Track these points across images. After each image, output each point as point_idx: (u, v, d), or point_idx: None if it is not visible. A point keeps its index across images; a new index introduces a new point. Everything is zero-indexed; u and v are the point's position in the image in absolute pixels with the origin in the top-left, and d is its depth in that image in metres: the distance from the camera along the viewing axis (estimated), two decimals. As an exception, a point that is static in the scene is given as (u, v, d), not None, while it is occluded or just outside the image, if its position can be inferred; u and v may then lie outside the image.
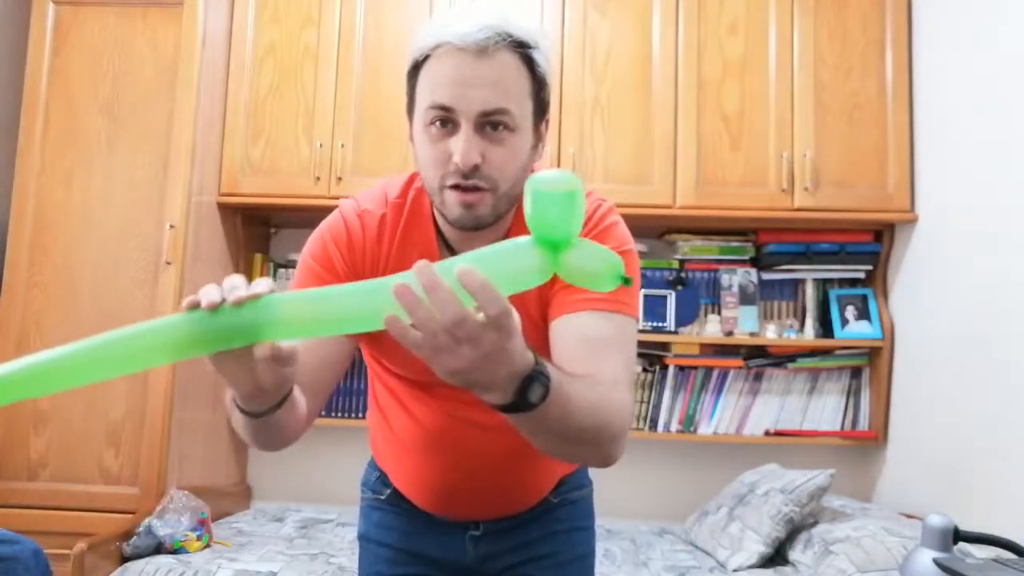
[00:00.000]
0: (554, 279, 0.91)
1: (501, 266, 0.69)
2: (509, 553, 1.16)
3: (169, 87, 2.39)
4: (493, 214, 0.95)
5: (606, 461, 0.88)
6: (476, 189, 0.92)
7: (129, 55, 2.41)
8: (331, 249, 1.02)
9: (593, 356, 0.89)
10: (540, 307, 0.99)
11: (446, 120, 0.91)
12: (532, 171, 1.03)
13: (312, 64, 2.57)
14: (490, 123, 0.91)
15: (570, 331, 0.93)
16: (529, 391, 0.73)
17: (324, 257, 1.03)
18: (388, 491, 1.19)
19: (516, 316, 0.68)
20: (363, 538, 1.23)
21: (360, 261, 1.02)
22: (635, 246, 1.03)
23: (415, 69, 0.96)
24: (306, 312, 0.70)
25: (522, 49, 0.93)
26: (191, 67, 2.38)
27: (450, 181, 0.92)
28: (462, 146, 0.90)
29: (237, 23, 2.59)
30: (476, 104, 0.90)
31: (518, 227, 1.03)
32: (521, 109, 0.93)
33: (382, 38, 2.57)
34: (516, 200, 0.98)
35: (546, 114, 1.00)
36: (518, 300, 0.73)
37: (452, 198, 0.93)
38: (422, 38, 0.94)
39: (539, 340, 0.97)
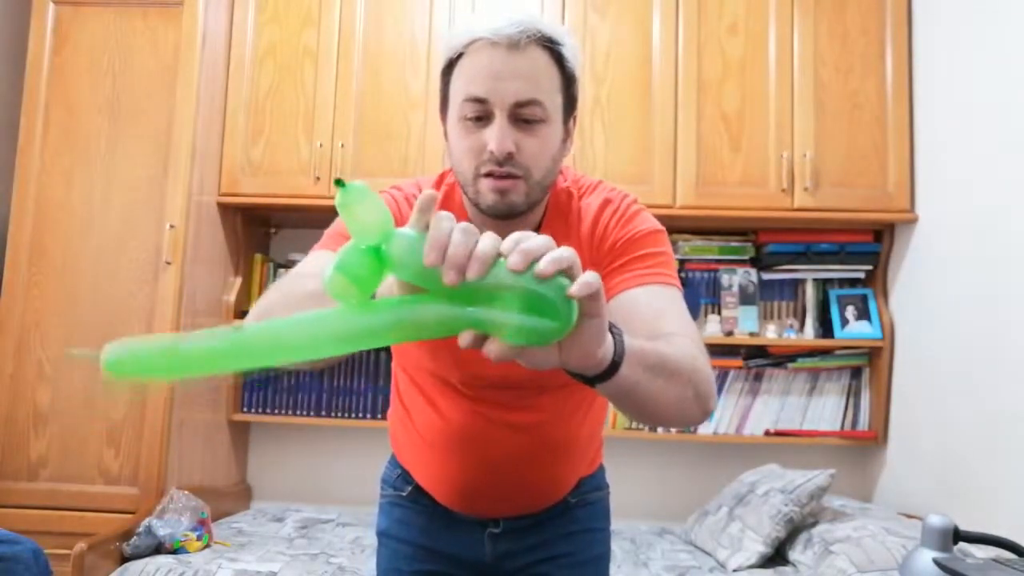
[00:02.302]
0: (599, 264, 0.92)
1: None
2: (527, 551, 1.17)
3: (169, 87, 2.39)
4: (526, 202, 0.98)
5: (705, 404, 0.86)
6: (510, 176, 0.95)
7: (129, 55, 2.42)
8: None
9: (659, 321, 0.91)
10: None
11: (481, 112, 0.95)
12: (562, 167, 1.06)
13: (312, 64, 2.57)
14: (523, 114, 0.94)
15: (630, 304, 0.96)
16: (613, 329, 0.71)
17: None
18: (409, 488, 1.20)
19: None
20: (383, 534, 1.25)
21: None
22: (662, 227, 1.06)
23: (449, 67, 0.99)
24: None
25: (551, 45, 0.96)
26: (191, 67, 2.38)
27: (484, 169, 0.95)
28: (497, 134, 0.93)
29: (237, 23, 2.59)
30: (510, 95, 0.93)
31: (550, 220, 1.06)
32: (552, 102, 0.97)
33: (382, 38, 2.57)
34: (547, 190, 1.02)
35: (575, 110, 1.03)
36: None
37: (486, 185, 0.96)
38: (455, 36, 0.98)
39: None
